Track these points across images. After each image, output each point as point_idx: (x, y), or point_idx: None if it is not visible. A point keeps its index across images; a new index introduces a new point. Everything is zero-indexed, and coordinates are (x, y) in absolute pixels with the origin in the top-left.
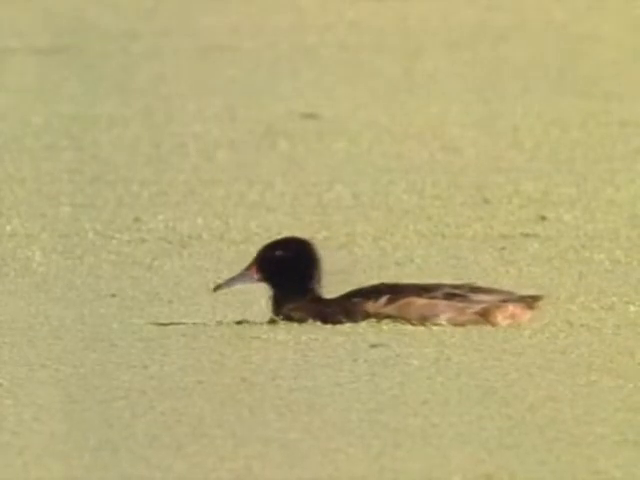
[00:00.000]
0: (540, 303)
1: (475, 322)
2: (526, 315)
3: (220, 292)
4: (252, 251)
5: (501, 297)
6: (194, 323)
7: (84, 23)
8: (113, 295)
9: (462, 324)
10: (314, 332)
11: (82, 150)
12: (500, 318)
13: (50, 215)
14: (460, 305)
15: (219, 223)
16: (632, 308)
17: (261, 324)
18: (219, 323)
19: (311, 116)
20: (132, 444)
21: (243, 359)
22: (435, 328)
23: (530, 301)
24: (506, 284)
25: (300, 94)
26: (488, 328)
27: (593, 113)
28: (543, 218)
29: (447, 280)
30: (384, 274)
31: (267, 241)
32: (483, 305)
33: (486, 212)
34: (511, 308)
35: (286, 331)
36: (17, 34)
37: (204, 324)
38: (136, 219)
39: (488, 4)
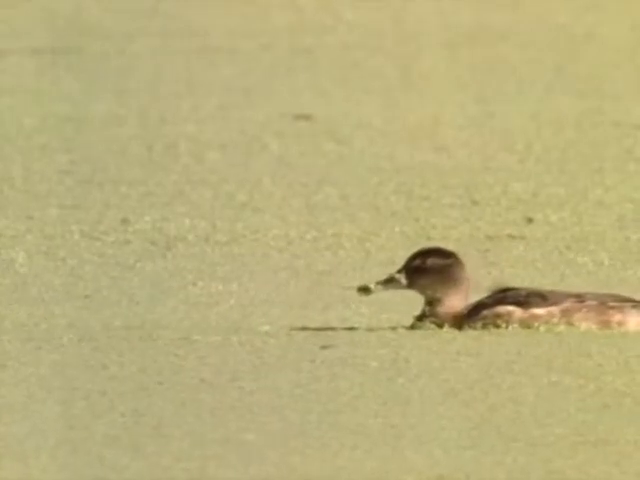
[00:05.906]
0: None
1: None
2: None
3: (184, 295)
4: (237, 252)
5: None
6: (155, 324)
7: (81, 24)
8: (86, 296)
9: None
10: (262, 333)
11: (74, 151)
12: None
13: (37, 216)
14: None
15: (205, 224)
16: None
17: (219, 326)
18: (179, 324)
19: (304, 117)
20: (91, 445)
21: (201, 360)
22: (382, 330)
23: None
24: (488, 286)
25: (295, 95)
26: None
27: (587, 113)
28: (530, 220)
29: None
30: (367, 275)
31: (253, 242)
32: None
33: (473, 213)
34: None
35: (239, 332)
36: (14, 34)
37: (165, 326)
38: (123, 220)
39: (485, 5)
